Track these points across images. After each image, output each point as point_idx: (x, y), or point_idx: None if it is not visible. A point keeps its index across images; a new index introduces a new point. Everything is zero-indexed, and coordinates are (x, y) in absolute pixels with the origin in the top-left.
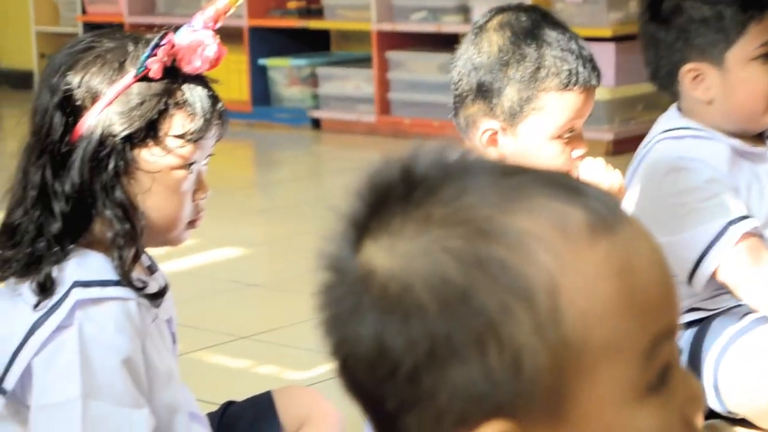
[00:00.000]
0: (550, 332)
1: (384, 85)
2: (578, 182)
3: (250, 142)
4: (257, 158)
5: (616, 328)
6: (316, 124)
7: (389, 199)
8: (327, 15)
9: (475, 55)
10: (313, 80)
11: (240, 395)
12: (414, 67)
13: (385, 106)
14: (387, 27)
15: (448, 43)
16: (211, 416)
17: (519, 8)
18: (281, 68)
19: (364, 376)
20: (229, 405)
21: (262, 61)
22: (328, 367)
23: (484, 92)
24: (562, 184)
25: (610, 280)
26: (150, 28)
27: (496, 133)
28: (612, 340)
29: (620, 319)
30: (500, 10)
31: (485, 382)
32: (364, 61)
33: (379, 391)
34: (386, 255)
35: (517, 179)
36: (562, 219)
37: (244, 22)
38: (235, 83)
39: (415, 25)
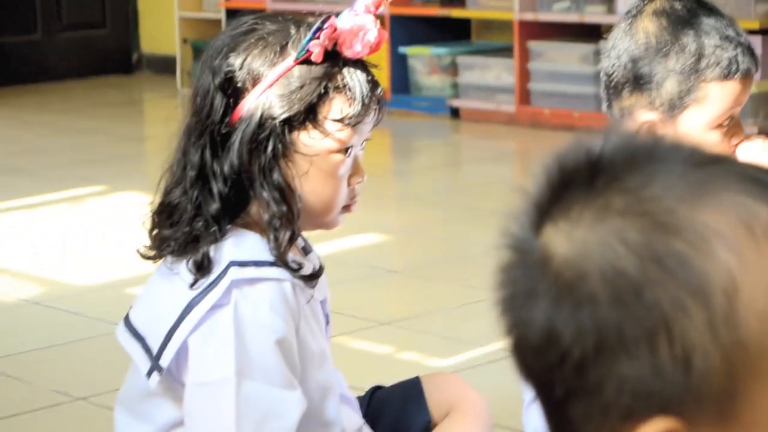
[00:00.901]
0: (725, 333)
1: (525, 74)
2: None
3: (389, 130)
4: (395, 146)
5: None
6: (455, 113)
7: (573, 184)
8: (469, 4)
9: (631, 45)
10: (453, 69)
11: (382, 381)
12: (555, 57)
13: (525, 96)
14: (529, 17)
15: (590, 33)
16: (360, 400)
17: None
18: (421, 56)
19: (534, 360)
20: (376, 389)
21: (402, 49)
22: (467, 355)
23: (641, 84)
24: (755, 179)
25: None
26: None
27: (654, 125)
28: None
29: None
30: None
31: (653, 379)
32: (504, 51)
33: (547, 377)
34: (564, 241)
35: (708, 171)
36: (749, 216)
37: (386, 10)
38: (374, 71)
39: (557, 15)
